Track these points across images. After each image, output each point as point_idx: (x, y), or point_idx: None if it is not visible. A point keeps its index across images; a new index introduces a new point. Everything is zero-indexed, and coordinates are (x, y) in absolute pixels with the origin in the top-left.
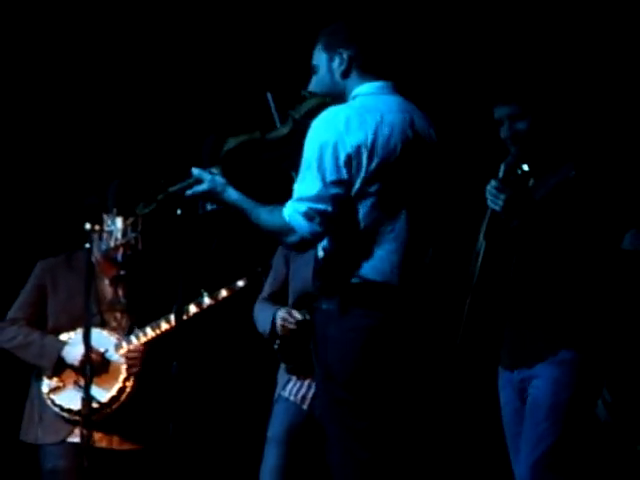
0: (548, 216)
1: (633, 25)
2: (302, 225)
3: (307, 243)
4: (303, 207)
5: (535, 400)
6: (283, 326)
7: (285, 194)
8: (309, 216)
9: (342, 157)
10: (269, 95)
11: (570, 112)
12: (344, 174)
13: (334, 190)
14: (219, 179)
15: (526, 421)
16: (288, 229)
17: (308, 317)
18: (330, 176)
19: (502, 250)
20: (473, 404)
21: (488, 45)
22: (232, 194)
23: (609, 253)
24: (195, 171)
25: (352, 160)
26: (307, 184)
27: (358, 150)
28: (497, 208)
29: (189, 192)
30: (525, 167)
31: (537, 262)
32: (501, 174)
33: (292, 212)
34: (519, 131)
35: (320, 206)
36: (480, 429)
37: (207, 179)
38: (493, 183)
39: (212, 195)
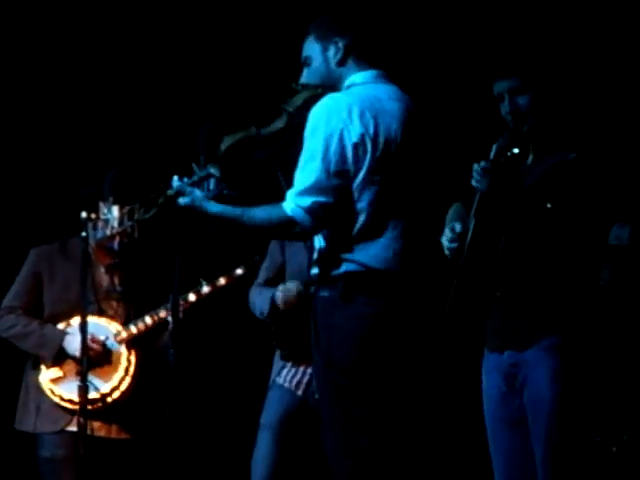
0: (540, 198)
1: (636, 9)
2: (305, 219)
3: (310, 235)
4: (307, 202)
5: (537, 396)
6: (285, 298)
7: (273, 194)
8: (313, 210)
9: (349, 147)
10: (280, 175)
11: (572, 91)
12: (350, 164)
13: (338, 181)
14: (198, 193)
15: (532, 417)
16: (290, 223)
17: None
18: (335, 167)
19: (491, 228)
20: (459, 385)
21: (489, 19)
22: (213, 207)
23: (600, 239)
24: (175, 184)
25: (358, 149)
26: (310, 175)
27: (363, 139)
28: (481, 188)
29: (182, 200)
30: (516, 150)
31: (526, 243)
32: (492, 155)
33: (294, 207)
34: (520, 106)
35: (323, 198)
36: (465, 413)
37: (187, 192)
38: (481, 163)
39: (193, 209)
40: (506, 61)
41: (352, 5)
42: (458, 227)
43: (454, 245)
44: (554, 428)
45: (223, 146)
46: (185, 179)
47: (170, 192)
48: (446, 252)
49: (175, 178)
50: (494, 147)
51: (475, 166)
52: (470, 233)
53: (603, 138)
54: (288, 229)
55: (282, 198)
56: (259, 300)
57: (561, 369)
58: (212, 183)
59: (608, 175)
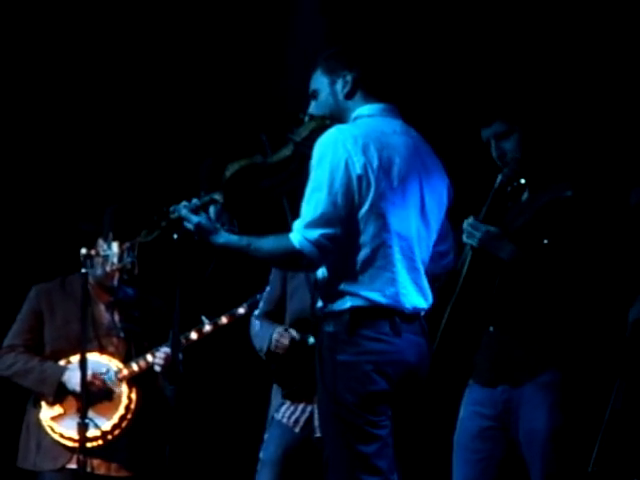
0: (536, 234)
1: (625, 40)
2: (313, 251)
3: (317, 266)
4: (314, 234)
5: (532, 432)
6: (278, 342)
7: (278, 221)
8: (320, 243)
9: (354, 178)
10: (264, 136)
11: (563, 129)
12: (355, 195)
13: (344, 212)
14: (204, 221)
15: (527, 453)
16: (298, 255)
17: (311, 341)
18: (341, 197)
19: (487, 264)
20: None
21: (475, 64)
22: (219, 238)
23: (599, 276)
24: (182, 210)
25: (362, 181)
26: (316, 206)
27: (366, 171)
28: (474, 244)
29: (188, 225)
30: (522, 181)
31: (523, 279)
32: (497, 185)
33: (302, 239)
34: (505, 150)
35: (330, 230)
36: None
37: (192, 221)
38: (470, 220)
39: (201, 233)
40: (489, 107)
41: (359, 39)
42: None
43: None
44: (551, 463)
45: (228, 173)
46: (186, 203)
47: (173, 216)
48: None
49: (181, 207)
50: (499, 176)
51: (464, 223)
52: (466, 266)
53: (600, 174)
54: (295, 261)
55: (285, 226)
56: (258, 337)
57: (558, 405)
58: (213, 212)
59: (606, 211)
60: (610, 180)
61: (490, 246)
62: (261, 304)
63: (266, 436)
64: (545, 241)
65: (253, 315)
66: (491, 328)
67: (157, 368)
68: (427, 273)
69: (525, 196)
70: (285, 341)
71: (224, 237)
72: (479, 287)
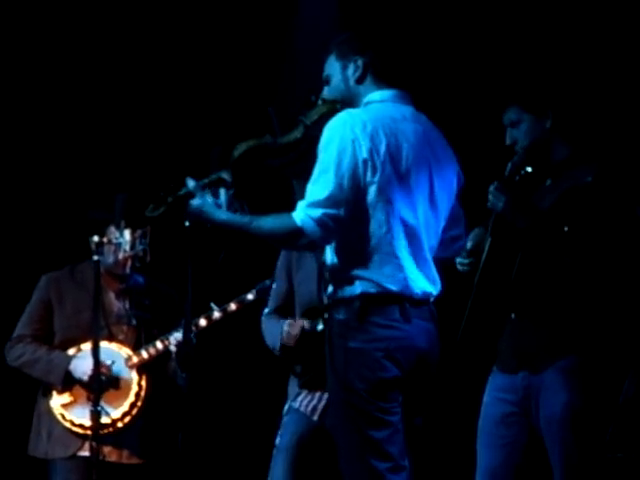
0: (557, 221)
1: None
2: (315, 231)
3: (317, 246)
4: (317, 213)
5: (553, 418)
6: (289, 333)
7: (285, 202)
8: (322, 222)
9: (360, 162)
10: (271, 110)
11: (572, 116)
12: (361, 179)
13: (350, 194)
14: (209, 199)
15: (548, 439)
16: (298, 233)
17: (320, 327)
18: (347, 180)
19: (506, 249)
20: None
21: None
22: (221, 214)
23: (618, 263)
24: (190, 183)
25: (368, 165)
26: (322, 187)
27: (372, 156)
28: (497, 209)
29: (192, 202)
30: (529, 169)
31: (543, 265)
32: (507, 173)
33: (304, 217)
34: (516, 138)
35: (333, 211)
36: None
37: (198, 194)
38: (495, 184)
39: (200, 214)
40: (502, 95)
41: (371, 23)
42: (468, 244)
43: (464, 261)
44: (571, 448)
45: (236, 152)
46: (195, 181)
47: (181, 192)
48: (459, 268)
49: (189, 180)
50: (509, 164)
51: (490, 188)
52: (485, 253)
53: (620, 159)
54: (296, 239)
55: (293, 207)
56: (270, 335)
57: (577, 390)
58: (224, 199)
59: (625, 198)
60: (630, 165)
61: (515, 210)
62: (269, 302)
63: (282, 424)
64: (565, 228)
65: (263, 314)
66: (513, 315)
67: (173, 348)
68: (436, 259)
69: (548, 182)
70: (295, 331)
71: (226, 214)
72: (499, 274)
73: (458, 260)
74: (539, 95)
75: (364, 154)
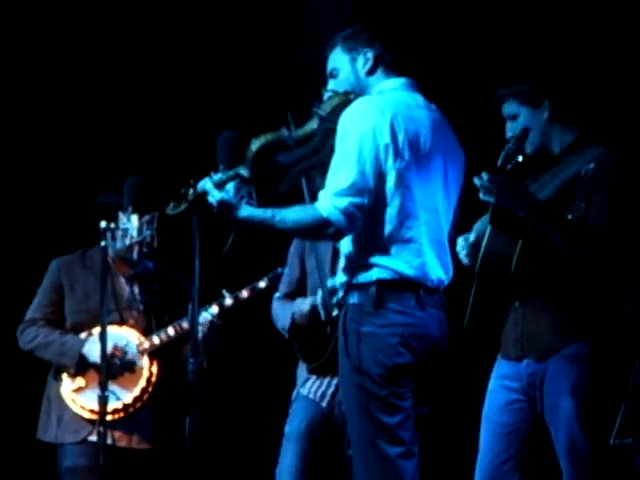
0: (559, 209)
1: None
2: (341, 220)
3: (343, 236)
4: (343, 203)
5: (558, 406)
6: (300, 310)
7: (296, 195)
8: (349, 211)
9: (381, 147)
10: (289, 115)
11: (570, 101)
12: (383, 165)
13: (373, 182)
14: (228, 199)
15: (553, 427)
16: (325, 224)
17: (334, 313)
18: (370, 167)
19: (506, 235)
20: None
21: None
22: (242, 211)
23: (623, 250)
24: (206, 185)
25: (389, 150)
26: (345, 176)
27: (394, 141)
28: (492, 200)
29: (210, 199)
30: (520, 158)
31: (547, 253)
32: (499, 163)
33: (330, 207)
34: (514, 130)
35: (359, 199)
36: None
37: (216, 196)
38: (484, 175)
39: (223, 211)
40: (502, 86)
41: (377, 17)
42: (472, 237)
43: (467, 252)
44: (575, 436)
45: (254, 147)
46: (213, 177)
47: (200, 188)
48: (463, 261)
49: (206, 179)
50: (502, 153)
51: (475, 179)
52: (485, 239)
53: (622, 147)
54: (322, 230)
55: (299, 198)
56: (281, 316)
57: (583, 377)
58: (232, 186)
59: (628, 184)
60: (632, 155)
61: (511, 197)
62: (280, 286)
63: (291, 410)
64: (569, 216)
65: (274, 298)
66: (516, 303)
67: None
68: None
69: (549, 172)
70: (306, 307)
71: (247, 210)
72: (499, 263)
73: (460, 254)
74: (532, 86)
75: (386, 139)
